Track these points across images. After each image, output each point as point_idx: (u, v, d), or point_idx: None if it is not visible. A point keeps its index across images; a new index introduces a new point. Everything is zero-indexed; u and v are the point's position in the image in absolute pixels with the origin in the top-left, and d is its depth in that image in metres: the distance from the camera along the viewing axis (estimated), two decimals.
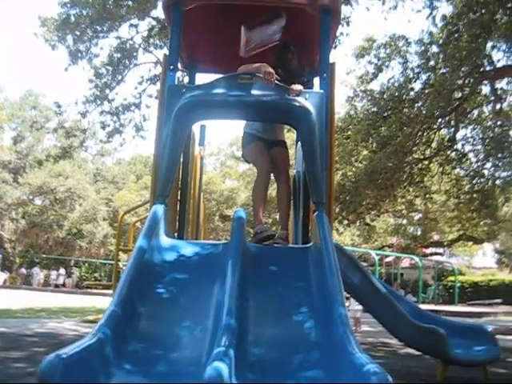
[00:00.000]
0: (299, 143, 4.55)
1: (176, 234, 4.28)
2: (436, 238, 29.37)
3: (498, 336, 4.92)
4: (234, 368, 2.01)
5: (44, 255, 33.77)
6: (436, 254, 32.10)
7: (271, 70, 3.57)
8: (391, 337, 5.11)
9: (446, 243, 28.62)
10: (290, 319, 2.77)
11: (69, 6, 12.47)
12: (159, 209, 3.35)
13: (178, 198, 4.51)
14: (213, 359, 1.95)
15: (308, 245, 3.57)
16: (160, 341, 2.50)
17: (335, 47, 11.37)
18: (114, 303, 2.49)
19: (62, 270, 31.30)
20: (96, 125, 15.31)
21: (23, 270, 31.92)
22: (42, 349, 5.36)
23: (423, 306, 6.42)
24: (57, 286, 29.72)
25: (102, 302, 13.28)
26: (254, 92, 3.53)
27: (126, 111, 13.95)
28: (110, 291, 11.99)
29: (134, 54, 13.51)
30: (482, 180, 13.44)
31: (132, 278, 2.70)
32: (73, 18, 12.43)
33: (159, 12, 12.47)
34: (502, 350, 4.74)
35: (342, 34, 11.25)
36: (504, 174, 13.36)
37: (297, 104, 3.48)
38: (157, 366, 2.34)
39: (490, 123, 13.19)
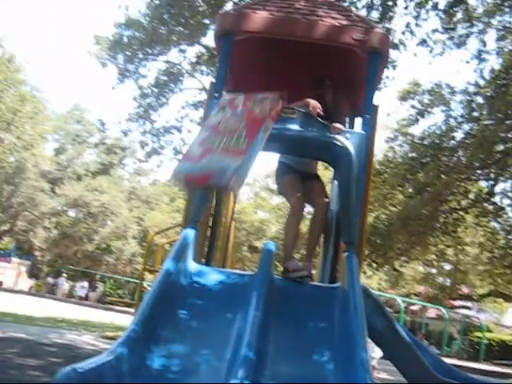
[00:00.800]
0: (335, 182, 4.54)
1: (204, 260, 4.28)
2: (465, 290, 28.64)
3: None
4: None
5: (71, 267, 34.18)
6: (464, 307, 31.23)
7: (317, 104, 3.60)
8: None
9: (475, 297, 27.86)
10: (310, 359, 2.72)
11: (123, 27, 12.90)
12: (190, 233, 3.36)
13: (209, 224, 4.52)
14: None
15: (335, 285, 3.53)
16: (176, 366, 2.48)
17: (380, 90, 11.43)
18: (135, 323, 2.49)
19: (85, 283, 31.55)
20: (136, 144, 15.65)
21: (49, 279, 32.32)
22: (59, 360, 5.38)
23: (446, 360, 6.23)
24: (79, 297, 29.94)
25: (122, 319, 13.31)
26: (296, 127, 3.54)
27: (167, 133, 14.20)
28: (132, 310, 12.02)
29: (180, 78, 13.82)
30: None
31: (155, 299, 2.70)
32: (125, 39, 12.83)
33: (208, 39, 12.78)
34: None
35: (387, 77, 11.30)
36: None
37: (337, 142, 3.48)
38: None
39: None
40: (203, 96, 13.42)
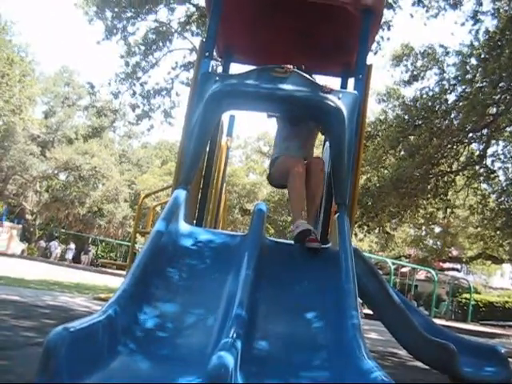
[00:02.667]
0: (327, 143, 4.51)
1: (195, 222, 4.27)
2: (455, 253, 29.01)
3: (509, 359, 4.82)
4: (239, 360, 1.99)
5: (63, 230, 34.23)
6: (453, 269, 31.71)
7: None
8: (401, 347, 5.04)
9: (464, 260, 28.25)
10: (301, 318, 2.74)
11: None
12: (181, 194, 3.34)
13: (201, 186, 4.50)
14: (219, 349, 1.93)
15: (326, 245, 3.53)
16: (168, 325, 2.49)
17: (376, 53, 11.30)
18: (127, 283, 2.49)
19: (72, 245, 31.71)
20: (126, 107, 15.47)
21: (42, 243, 32.41)
22: (52, 321, 5.40)
23: (435, 321, 6.35)
24: (63, 259, 30.12)
25: (115, 282, 13.39)
26: (287, 86, 3.48)
27: (157, 95, 14.03)
28: (124, 272, 12.09)
29: (170, 37, 13.57)
30: (510, 199, 13.20)
31: (147, 259, 2.69)
32: None
33: None
34: None
35: (382, 38, 11.16)
36: None
37: (329, 102, 3.43)
38: (162, 349, 2.33)
39: None
40: (193, 57, 13.22)
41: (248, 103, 3.70)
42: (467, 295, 25.83)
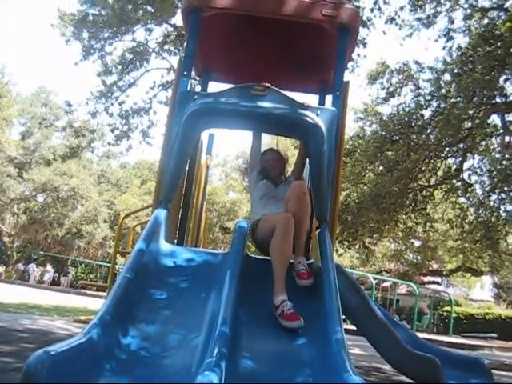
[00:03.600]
0: (307, 159, 4.54)
1: (176, 241, 4.25)
2: (435, 266, 29.23)
3: (492, 370, 4.84)
4: (223, 378, 1.97)
5: (42, 252, 33.72)
6: (434, 282, 31.92)
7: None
8: (385, 362, 5.04)
9: (444, 273, 28.48)
10: (284, 335, 2.73)
11: (88, 4, 12.59)
12: (161, 213, 3.32)
13: (181, 205, 4.49)
14: (204, 369, 1.91)
15: (308, 261, 3.54)
16: (151, 346, 2.46)
17: (352, 70, 11.46)
18: (108, 304, 2.46)
19: (49, 267, 31.30)
20: (105, 127, 15.40)
21: (20, 266, 31.86)
22: (32, 345, 5.29)
23: (417, 335, 6.39)
24: (42, 282, 29.65)
25: (96, 304, 13.20)
26: (266, 104, 3.51)
27: (136, 115, 14.00)
28: (105, 293, 11.93)
29: (147, 57, 13.60)
30: (487, 212, 13.39)
31: (128, 280, 2.66)
32: (91, 17, 12.54)
33: (177, 19, 12.58)
34: None
35: (358, 55, 11.32)
36: (510, 208, 13.30)
37: (308, 119, 3.45)
38: (146, 370, 2.30)
39: (498, 155, 13.18)
40: (171, 76, 13.24)
41: (227, 121, 3.71)
42: (448, 308, 25.99)
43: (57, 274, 31.50)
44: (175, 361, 2.38)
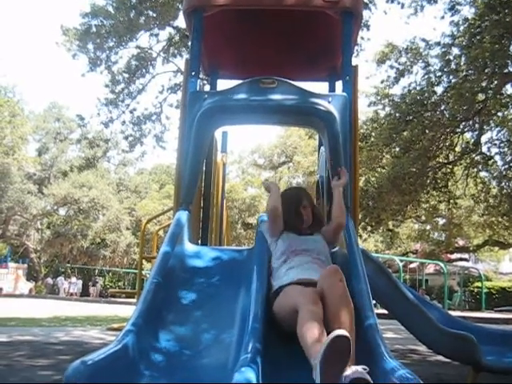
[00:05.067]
0: (322, 148, 4.51)
1: (199, 241, 4.26)
2: (461, 243, 28.96)
3: None
4: (260, 374, 1.97)
5: (68, 265, 34.13)
6: (461, 259, 31.63)
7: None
8: (419, 344, 5.01)
9: (471, 248, 28.18)
10: None
11: (90, 16, 12.66)
12: (183, 215, 3.33)
13: (201, 205, 4.50)
14: (240, 365, 1.91)
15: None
16: (185, 347, 2.47)
17: (357, 54, 11.36)
18: (138, 310, 2.47)
19: (73, 279, 31.79)
20: (118, 135, 15.51)
21: (49, 280, 32.31)
22: (68, 356, 5.37)
23: (449, 313, 6.37)
24: (71, 294, 30.09)
25: (126, 311, 13.33)
26: (277, 96, 3.50)
27: (148, 121, 14.07)
28: (134, 300, 12.03)
29: (153, 62, 13.65)
30: (510, 183, 13.19)
31: (156, 284, 2.67)
32: (94, 29, 12.61)
33: (179, 22, 12.59)
34: None
35: (362, 38, 11.22)
36: None
37: (320, 107, 3.43)
38: (182, 372, 2.31)
39: None
40: (179, 79, 13.27)
41: (239, 117, 3.71)
42: (478, 284, 25.74)
43: (85, 285, 31.87)
44: (211, 360, 2.39)
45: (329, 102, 3.49)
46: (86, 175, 29.84)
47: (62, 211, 34.02)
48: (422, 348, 5.74)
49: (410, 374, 1.90)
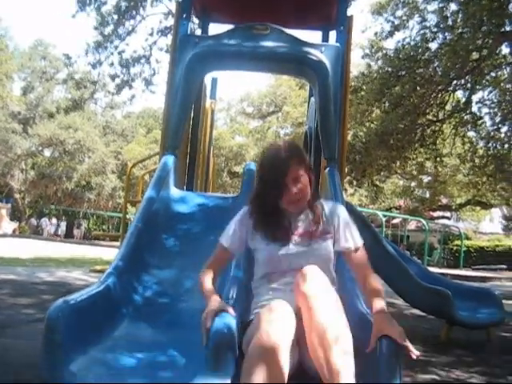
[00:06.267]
0: (312, 98, 4.47)
1: (185, 187, 4.25)
2: (444, 201, 29.29)
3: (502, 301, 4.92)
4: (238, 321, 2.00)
5: (53, 206, 34.07)
6: (443, 217, 32.08)
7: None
8: (397, 297, 5.13)
9: (453, 207, 28.54)
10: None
11: None
12: (169, 159, 3.30)
13: (188, 150, 4.46)
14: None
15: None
16: (167, 290, 2.50)
17: (350, 4, 11.10)
18: (121, 253, 2.48)
19: (54, 220, 31.89)
20: (106, 77, 15.20)
21: (33, 221, 32.31)
22: (51, 296, 5.42)
23: (428, 269, 6.53)
24: (56, 235, 30.27)
25: (110, 253, 13.41)
26: (269, 43, 3.43)
27: (136, 63, 13.77)
28: (118, 243, 12.08)
29: (143, 3, 13.24)
30: (497, 144, 13.21)
31: (140, 227, 2.68)
32: None
33: None
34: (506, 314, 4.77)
35: None
36: None
37: (312, 57, 3.38)
38: (163, 315, 2.34)
39: (508, 86, 12.87)
40: (170, 21, 12.93)
41: (230, 63, 3.64)
42: (458, 242, 26.20)
43: (70, 227, 31.95)
44: (192, 304, 2.42)
45: (321, 52, 3.44)
46: (72, 117, 29.36)
47: (47, 152, 33.67)
48: (400, 301, 5.87)
49: None
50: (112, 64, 13.76)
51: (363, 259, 2.15)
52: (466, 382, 3.15)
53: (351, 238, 2.14)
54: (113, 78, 13.86)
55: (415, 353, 1.64)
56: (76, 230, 31.58)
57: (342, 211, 2.22)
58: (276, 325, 1.70)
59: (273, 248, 2.05)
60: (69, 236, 30.62)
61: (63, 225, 31.80)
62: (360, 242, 2.15)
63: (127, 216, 8.23)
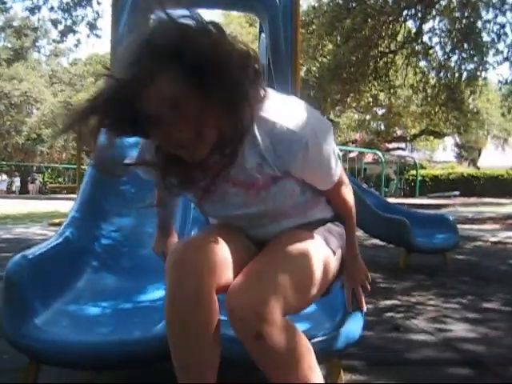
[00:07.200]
0: (262, 34, 4.37)
1: None
2: (399, 133, 29.73)
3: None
4: None
5: (4, 162, 33.07)
6: (398, 148, 32.67)
7: None
8: (357, 228, 5.24)
9: (408, 138, 29.06)
10: None
11: None
12: None
13: None
14: None
15: None
16: (127, 238, 2.48)
17: None
18: (79, 203, 2.44)
19: (4, 176, 31.28)
20: (47, 23, 14.50)
21: None
22: (10, 254, 5.30)
23: (386, 200, 6.70)
24: (11, 192, 29.71)
25: (68, 206, 13.21)
26: None
27: (78, 7, 13.15)
28: (75, 195, 11.91)
29: None
30: (449, 73, 13.37)
31: (96, 176, 2.62)
32: None
33: None
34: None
35: None
36: (470, 67, 13.27)
37: None
38: (124, 262, 2.33)
39: (457, 14, 12.91)
40: None
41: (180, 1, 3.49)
42: (414, 172, 26.82)
43: (24, 182, 31.23)
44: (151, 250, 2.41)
45: None
46: (15, 67, 28.09)
47: None
48: (359, 233, 6.01)
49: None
50: (52, 8, 13.13)
51: None
52: (424, 304, 3.28)
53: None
54: (54, 23, 13.24)
55: (364, 309, 1.56)
56: (30, 184, 30.86)
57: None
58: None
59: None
60: (24, 192, 29.93)
61: (17, 180, 31.02)
62: None
63: (82, 167, 8.06)
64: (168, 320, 1.21)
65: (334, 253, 1.42)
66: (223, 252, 1.24)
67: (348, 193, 1.48)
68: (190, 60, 1.08)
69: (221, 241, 1.25)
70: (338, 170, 1.36)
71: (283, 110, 1.24)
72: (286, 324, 1.15)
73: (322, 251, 1.36)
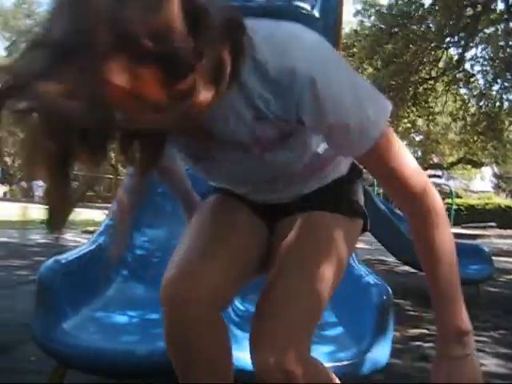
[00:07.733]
0: None
1: None
2: (435, 160, 29.37)
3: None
4: None
5: None
6: (435, 176, 32.23)
7: None
8: (388, 254, 5.17)
9: (445, 166, 28.66)
10: None
11: None
12: None
13: None
14: None
15: None
16: (156, 248, 2.50)
17: None
18: (113, 211, 2.47)
19: (41, 182, 31.77)
20: None
21: (23, 183, 32.16)
22: (44, 258, 5.40)
23: None
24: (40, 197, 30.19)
25: (102, 215, 13.39)
26: None
27: None
28: (110, 205, 12.06)
29: None
30: (489, 102, 13.19)
31: (131, 186, 2.65)
32: None
33: None
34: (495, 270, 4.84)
35: None
36: (511, 97, 13.07)
37: (302, 11, 3.30)
38: (152, 272, 2.35)
39: (501, 43, 12.76)
40: None
41: None
42: (449, 200, 26.35)
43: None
44: None
45: (313, 7, 3.35)
46: None
47: None
48: (391, 259, 5.93)
49: (377, 280, 1.96)
50: None
51: None
52: None
53: None
54: None
55: None
56: None
57: None
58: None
59: None
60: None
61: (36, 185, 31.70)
62: None
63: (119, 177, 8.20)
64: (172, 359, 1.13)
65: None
66: (222, 266, 1.12)
67: (417, 175, 1.06)
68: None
69: (220, 254, 1.13)
70: (382, 122, 0.94)
71: (276, 44, 0.88)
72: (317, 370, 1.10)
73: (341, 250, 1.20)
